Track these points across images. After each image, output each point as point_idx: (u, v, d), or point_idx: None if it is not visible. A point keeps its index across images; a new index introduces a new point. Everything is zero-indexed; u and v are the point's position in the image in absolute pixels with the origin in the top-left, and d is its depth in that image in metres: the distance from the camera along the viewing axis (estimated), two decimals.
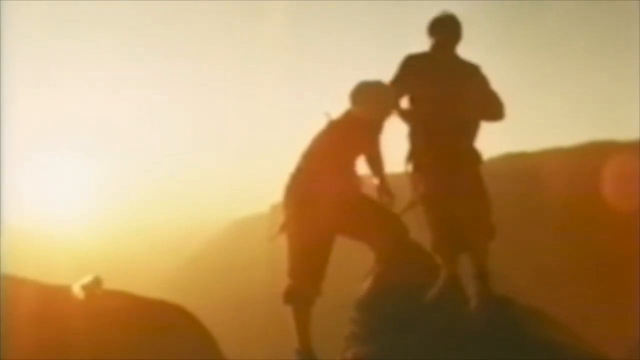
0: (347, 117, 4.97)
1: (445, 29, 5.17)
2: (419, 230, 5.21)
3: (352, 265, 5.07)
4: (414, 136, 5.24)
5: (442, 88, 5.09)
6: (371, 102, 4.92)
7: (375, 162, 5.10)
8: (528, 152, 24.80)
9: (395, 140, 5.32)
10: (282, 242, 4.93)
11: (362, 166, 5.08)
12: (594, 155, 20.53)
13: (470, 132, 5.22)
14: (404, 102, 5.25)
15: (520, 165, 23.13)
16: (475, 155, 5.23)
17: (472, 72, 5.24)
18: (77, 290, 5.01)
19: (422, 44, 5.32)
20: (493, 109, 5.21)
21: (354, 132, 4.89)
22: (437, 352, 4.42)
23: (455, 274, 5.25)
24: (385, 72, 5.24)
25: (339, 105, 5.07)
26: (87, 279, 5.11)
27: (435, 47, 5.21)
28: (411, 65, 5.19)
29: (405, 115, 5.16)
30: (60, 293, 5.05)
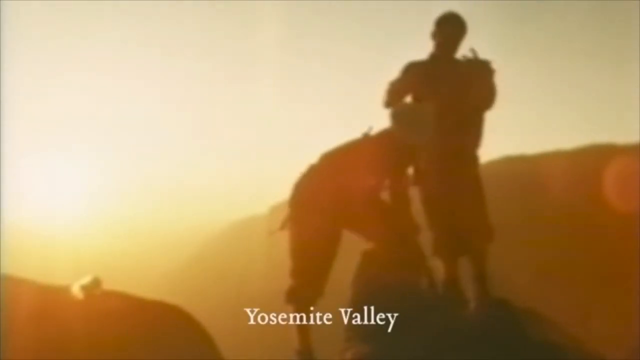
0: (382, 137, 4.94)
1: (449, 27, 5.19)
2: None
3: (354, 266, 5.05)
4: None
5: (444, 90, 5.10)
6: (411, 123, 4.89)
7: (399, 196, 4.97)
8: (528, 154, 24.77)
9: None
10: (281, 243, 4.92)
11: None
12: (595, 158, 20.51)
13: (472, 133, 5.22)
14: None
15: (520, 168, 23.10)
16: (473, 157, 5.23)
17: (477, 69, 5.25)
18: (76, 290, 5.00)
19: (422, 44, 5.33)
20: (487, 100, 5.24)
21: (382, 152, 4.84)
22: (435, 353, 4.42)
23: (454, 276, 5.25)
24: (383, 72, 5.26)
25: (335, 106, 5.08)
26: (86, 279, 5.10)
27: (438, 47, 5.22)
28: (412, 71, 5.20)
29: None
30: (59, 293, 5.04)
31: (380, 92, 5.21)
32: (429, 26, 5.27)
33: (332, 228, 4.78)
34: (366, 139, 4.91)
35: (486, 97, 5.21)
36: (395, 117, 4.91)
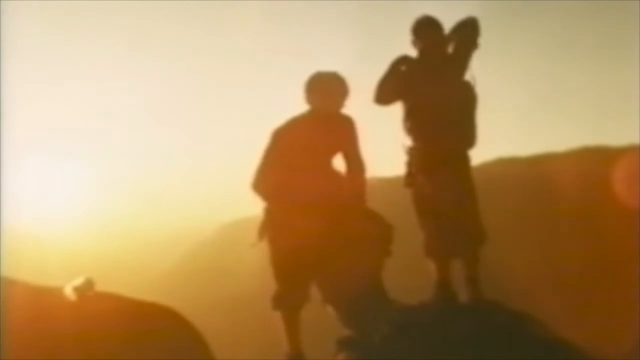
0: (312, 115, 4.91)
1: (426, 34, 5.19)
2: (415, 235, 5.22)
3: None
4: (408, 139, 5.26)
5: (434, 90, 5.11)
6: (324, 91, 4.83)
7: (353, 162, 5.00)
8: (521, 156, 24.84)
9: (390, 145, 5.33)
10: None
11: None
12: (587, 160, 20.60)
13: (464, 134, 5.22)
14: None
15: (513, 170, 23.16)
16: (465, 159, 5.24)
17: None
18: (68, 292, 4.99)
19: (408, 41, 5.32)
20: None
21: (323, 128, 4.84)
22: (428, 356, 4.42)
23: (447, 278, 5.26)
24: (367, 68, 5.27)
25: None
26: (78, 280, 5.09)
27: (420, 52, 5.23)
28: (402, 67, 5.20)
29: None
30: (52, 295, 5.03)
31: (369, 90, 5.23)
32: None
33: (307, 230, 4.74)
34: (297, 122, 4.89)
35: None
36: (307, 87, 4.85)
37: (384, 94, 5.19)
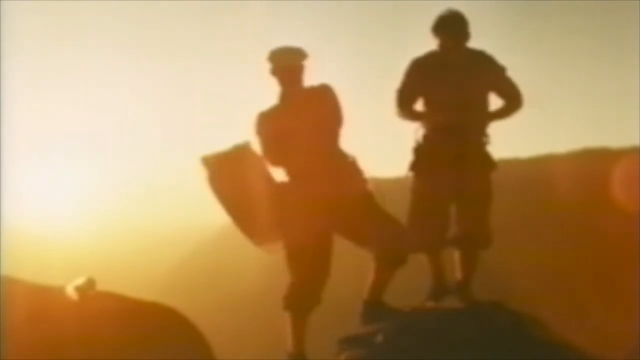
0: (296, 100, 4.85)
1: (449, 29, 5.02)
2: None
3: (347, 269, 5.05)
4: (426, 136, 5.16)
5: (453, 87, 5.00)
6: (283, 54, 4.82)
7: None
8: (521, 158, 24.82)
9: (390, 146, 5.31)
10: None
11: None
12: (588, 161, 20.59)
13: (484, 131, 5.15)
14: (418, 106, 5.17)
15: (514, 171, 23.15)
16: (489, 161, 5.17)
17: (484, 65, 5.12)
18: (70, 291, 5.00)
19: (412, 42, 5.24)
20: (510, 103, 5.16)
21: (303, 106, 4.77)
22: (430, 356, 4.42)
23: (440, 272, 5.24)
24: (371, 69, 5.23)
25: None
26: (80, 280, 5.09)
27: (441, 47, 5.06)
28: (417, 70, 5.11)
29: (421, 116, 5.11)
30: (54, 294, 5.04)
31: (379, 89, 5.18)
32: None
33: (322, 229, 4.69)
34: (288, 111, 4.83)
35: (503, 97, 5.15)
36: (270, 59, 4.85)
37: (406, 104, 5.10)
